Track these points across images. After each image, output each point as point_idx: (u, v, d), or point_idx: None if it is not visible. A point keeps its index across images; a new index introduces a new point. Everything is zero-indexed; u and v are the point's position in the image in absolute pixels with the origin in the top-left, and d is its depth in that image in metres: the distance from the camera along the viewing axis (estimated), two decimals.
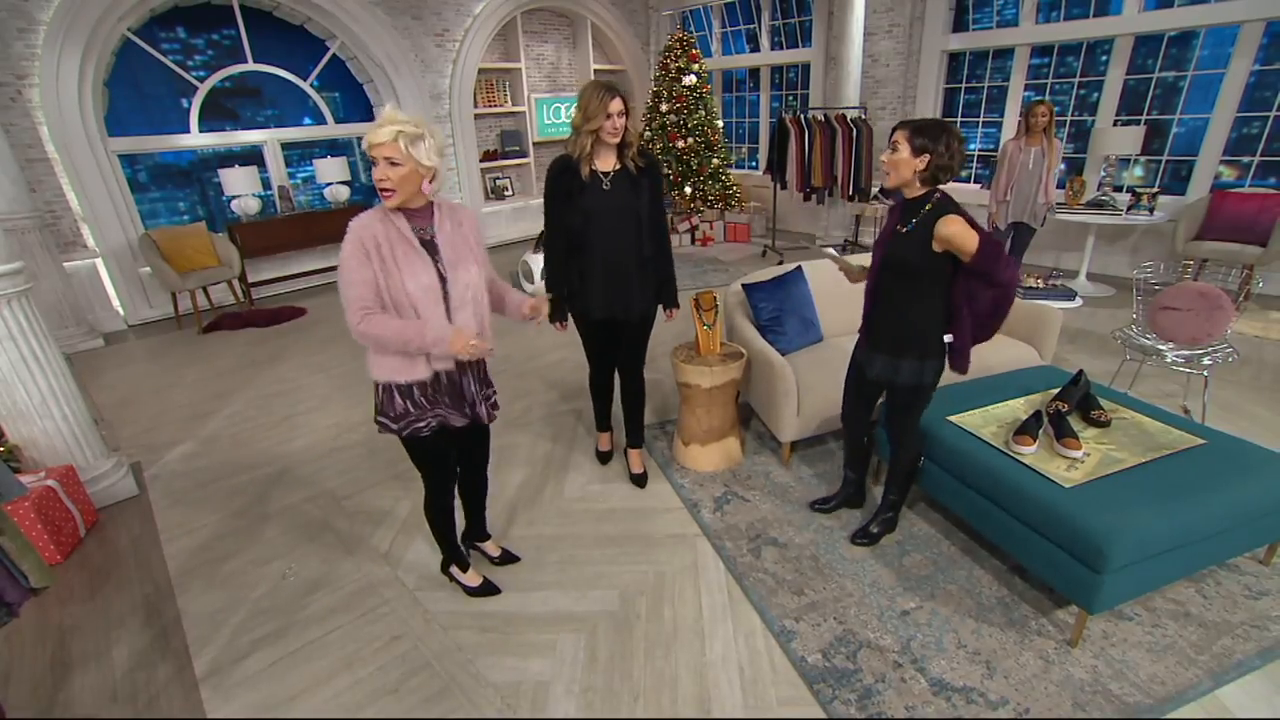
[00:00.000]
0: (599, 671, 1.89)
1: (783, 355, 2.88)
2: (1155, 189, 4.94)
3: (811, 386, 2.77)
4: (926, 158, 1.84)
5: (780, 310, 3.08)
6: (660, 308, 2.57)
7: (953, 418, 2.39)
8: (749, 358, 2.86)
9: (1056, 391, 2.46)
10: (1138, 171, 5.66)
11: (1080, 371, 2.49)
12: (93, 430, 2.85)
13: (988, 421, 2.37)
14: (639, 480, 2.81)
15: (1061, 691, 1.76)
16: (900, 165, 1.88)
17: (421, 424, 1.81)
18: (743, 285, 3.13)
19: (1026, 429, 2.21)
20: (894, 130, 1.91)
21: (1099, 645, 1.90)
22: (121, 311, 5.33)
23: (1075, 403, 2.39)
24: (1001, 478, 2.07)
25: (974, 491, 2.19)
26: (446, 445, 1.96)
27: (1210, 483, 1.92)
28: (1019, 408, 2.46)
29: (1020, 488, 2.00)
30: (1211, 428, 2.65)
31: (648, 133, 6.95)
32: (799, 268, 3.23)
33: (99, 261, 5.12)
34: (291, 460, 3.16)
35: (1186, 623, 1.96)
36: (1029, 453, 2.15)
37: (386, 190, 1.63)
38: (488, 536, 2.38)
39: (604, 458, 3.01)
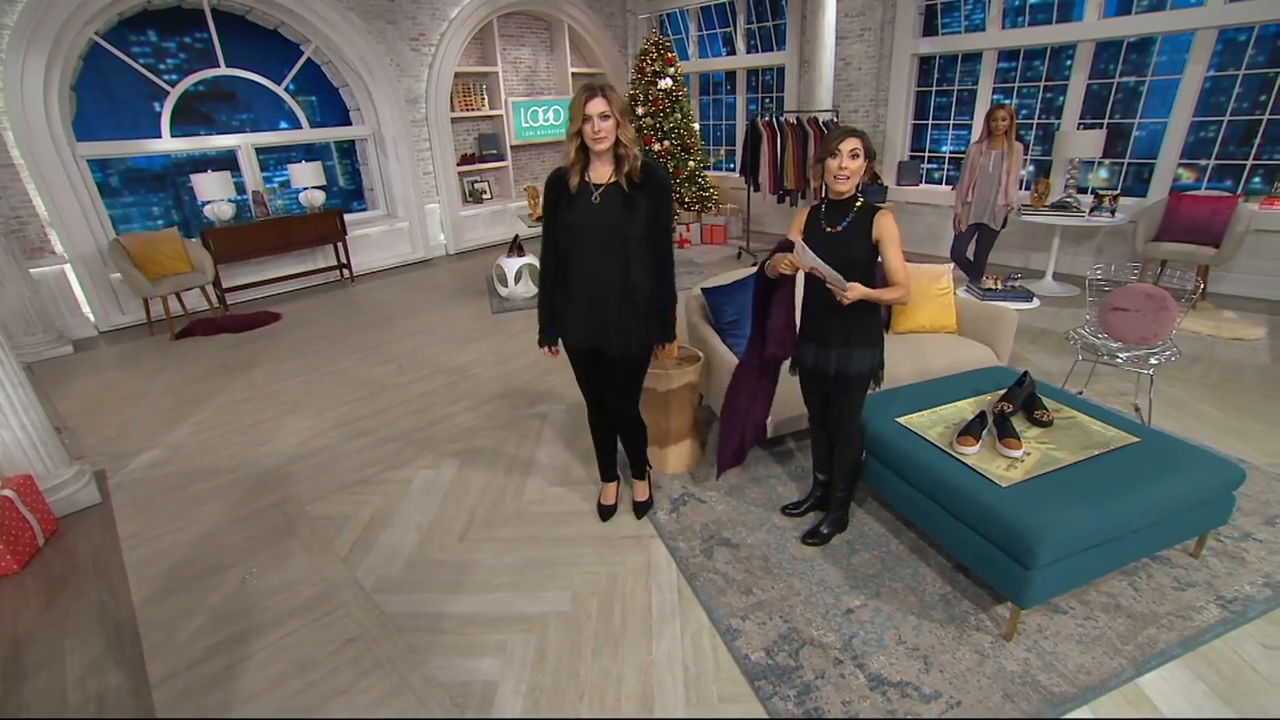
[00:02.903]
0: (547, 671, 1.93)
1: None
2: (1116, 191, 5.05)
3: None
4: (868, 162, 2.03)
5: (740, 314, 3.13)
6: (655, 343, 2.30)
7: (901, 419, 2.45)
8: (707, 360, 2.91)
9: (1003, 392, 2.53)
10: (1103, 174, 5.79)
11: (1025, 373, 2.56)
12: (53, 439, 2.85)
13: (935, 422, 2.44)
14: (641, 509, 2.62)
15: (993, 684, 1.82)
16: (861, 171, 2.02)
17: None
18: (702, 290, 3.18)
19: (970, 430, 2.28)
20: (842, 139, 2.00)
21: (1033, 638, 1.97)
22: (92, 318, 5.29)
23: (1020, 403, 2.46)
24: (942, 478, 2.13)
25: (918, 491, 2.25)
26: None
27: (1138, 479, 1.99)
28: (967, 408, 2.52)
29: (959, 488, 2.06)
30: (1146, 426, 2.74)
31: None
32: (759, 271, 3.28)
33: (68, 267, 5.09)
34: (259, 466, 3.17)
35: (1116, 614, 2.03)
36: (971, 453, 2.21)
37: None
38: None
39: (605, 512, 2.62)
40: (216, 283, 5.58)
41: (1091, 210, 4.97)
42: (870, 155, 2.03)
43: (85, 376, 4.44)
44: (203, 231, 5.55)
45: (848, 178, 2.01)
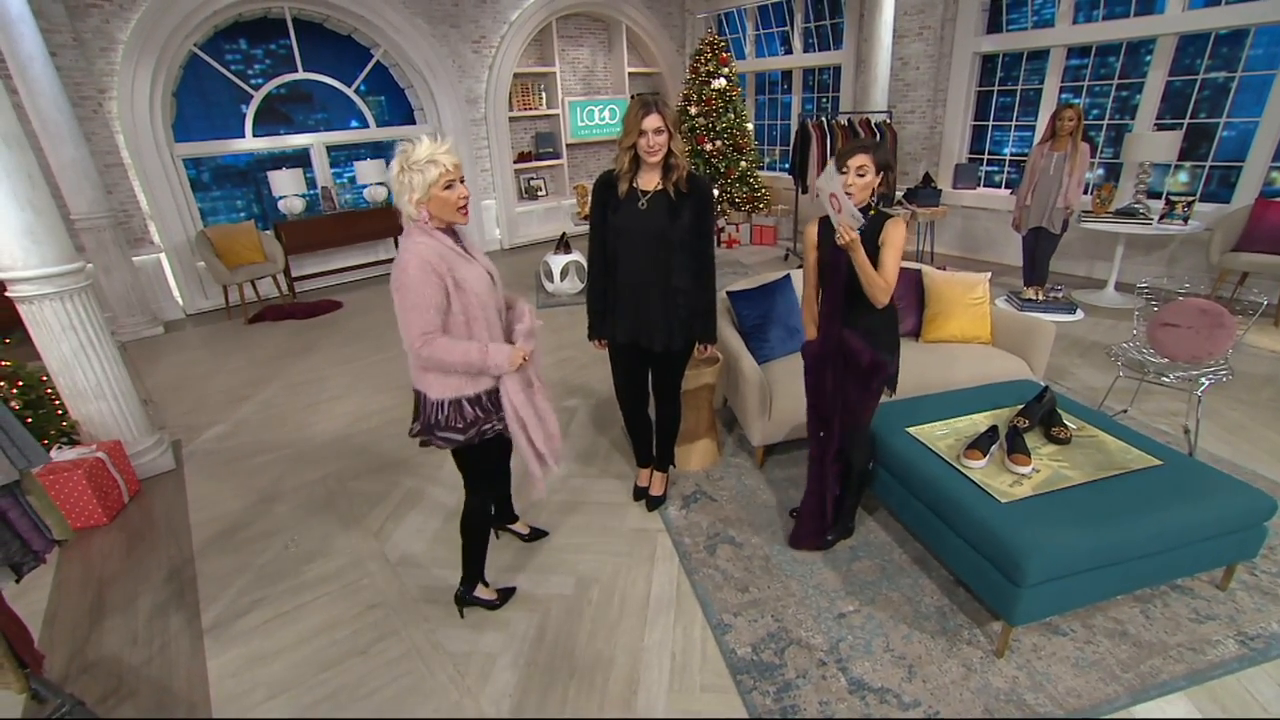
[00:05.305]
0: (544, 648, 2.07)
1: (765, 362, 2.97)
2: (1193, 197, 4.71)
3: (787, 393, 2.84)
4: (883, 174, 2.04)
5: (764, 318, 3.17)
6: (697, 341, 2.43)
7: (911, 429, 2.45)
8: (726, 363, 2.97)
9: (1021, 407, 2.48)
10: (1182, 177, 5.39)
11: (1045, 387, 2.49)
12: (140, 411, 3.23)
13: (947, 434, 2.41)
14: (653, 503, 2.74)
15: (976, 698, 1.82)
16: (869, 187, 2.02)
17: (488, 426, 1.90)
18: (728, 293, 3.23)
19: (978, 444, 2.25)
20: (850, 155, 2.01)
21: (1026, 657, 1.94)
22: (180, 302, 5.86)
23: (1037, 419, 2.40)
24: (942, 490, 2.12)
25: (920, 503, 2.25)
26: (501, 449, 2.11)
27: (1150, 503, 1.93)
28: (982, 421, 2.48)
29: (959, 501, 2.05)
30: (1189, 450, 2.61)
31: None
32: (787, 276, 3.31)
33: (163, 256, 5.66)
34: (310, 443, 3.47)
35: (1121, 641, 1.97)
36: (978, 467, 2.19)
37: (465, 209, 1.83)
38: (517, 517, 2.59)
39: (639, 493, 2.81)
40: (286, 272, 6.05)
41: (1161, 217, 4.66)
42: (881, 169, 2.02)
43: (171, 355, 4.94)
44: (275, 224, 6.02)
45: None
